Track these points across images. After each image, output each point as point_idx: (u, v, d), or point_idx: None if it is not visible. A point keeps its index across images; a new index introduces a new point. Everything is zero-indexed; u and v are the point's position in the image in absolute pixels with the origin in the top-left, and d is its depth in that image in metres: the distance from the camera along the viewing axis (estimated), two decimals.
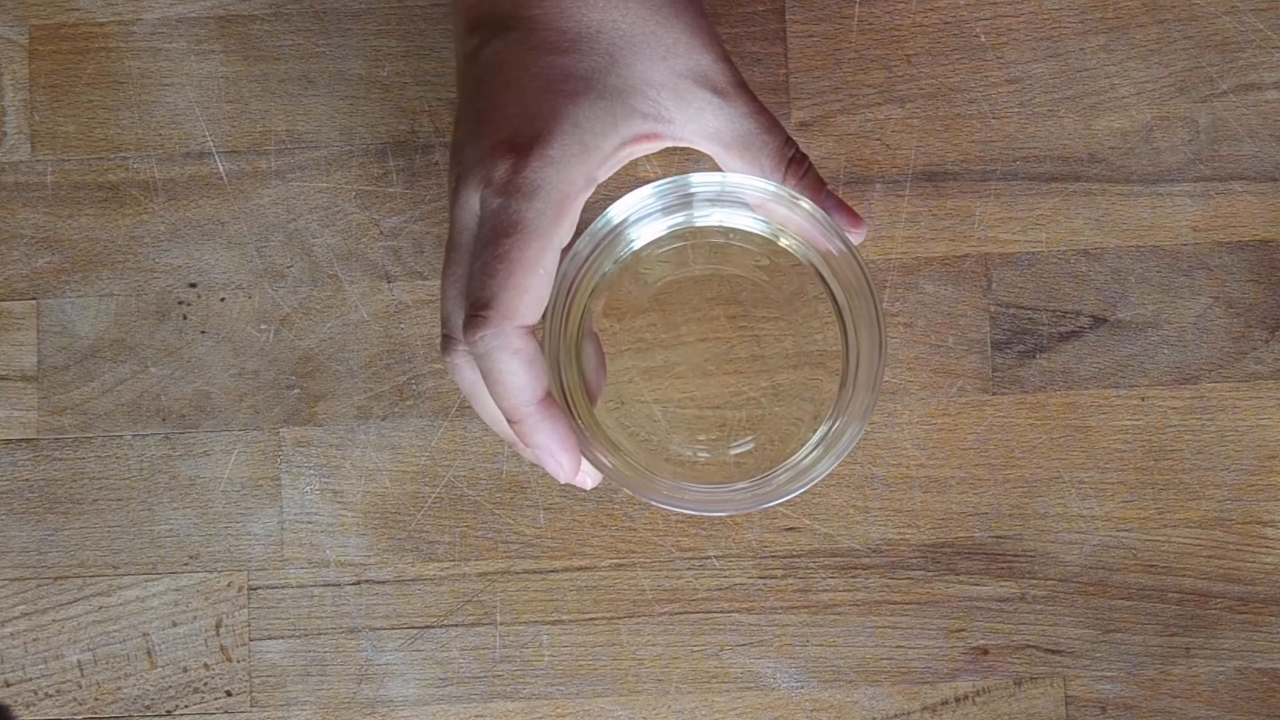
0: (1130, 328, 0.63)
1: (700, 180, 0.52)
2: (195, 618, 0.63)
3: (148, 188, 0.64)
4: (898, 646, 0.62)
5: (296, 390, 0.63)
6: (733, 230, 0.54)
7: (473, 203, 0.49)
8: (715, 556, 0.62)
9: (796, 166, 0.52)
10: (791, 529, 0.62)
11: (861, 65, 0.63)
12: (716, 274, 0.56)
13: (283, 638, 0.63)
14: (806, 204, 0.51)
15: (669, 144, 0.51)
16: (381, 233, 0.63)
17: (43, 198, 0.64)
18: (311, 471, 0.63)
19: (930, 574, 0.62)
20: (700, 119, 0.51)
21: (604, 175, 0.50)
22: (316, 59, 0.64)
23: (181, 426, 0.63)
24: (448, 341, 0.50)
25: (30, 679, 0.63)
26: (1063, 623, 0.62)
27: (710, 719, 0.62)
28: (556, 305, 0.51)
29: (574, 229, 0.50)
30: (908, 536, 0.62)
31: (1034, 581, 0.62)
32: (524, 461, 0.63)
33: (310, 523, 0.63)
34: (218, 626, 0.63)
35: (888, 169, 0.63)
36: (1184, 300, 0.63)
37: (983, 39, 0.63)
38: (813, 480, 0.51)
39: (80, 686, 0.63)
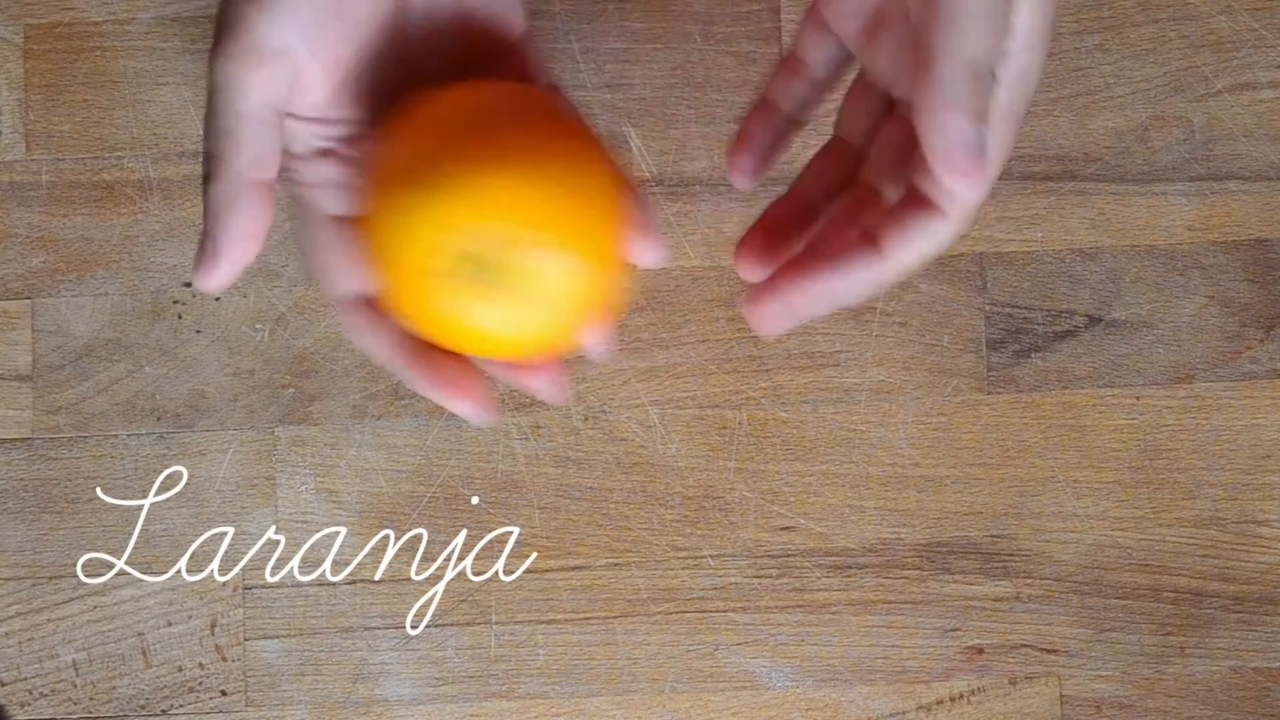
0: (1125, 327, 0.63)
1: None
2: (190, 617, 0.63)
3: (143, 187, 0.64)
4: (893, 646, 0.62)
5: (291, 389, 0.63)
6: None
7: None
8: (710, 556, 0.62)
9: None
10: (787, 528, 0.62)
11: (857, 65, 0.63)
12: None
13: (278, 637, 0.62)
14: None
15: None
16: None
17: (37, 197, 0.64)
18: (306, 471, 0.63)
19: (925, 573, 0.62)
20: None
21: None
22: None
23: (176, 426, 0.63)
24: None
25: (25, 678, 0.63)
26: (1058, 622, 0.62)
27: (705, 718, 0.62)
28: None
29: None
30: (903, 536, 0.62)
31: (1029, 581, 0.62)
32: (519, 461, 0.63)
33: (305, 522, 0.63)
34: (213, 626, 0.63)
35: None
36: (1179, 300, 0.63)
37: None
38: None
39: (75, 686, 0.63)
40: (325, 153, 0.46)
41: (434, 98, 0.44)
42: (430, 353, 0.47)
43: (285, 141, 0.45)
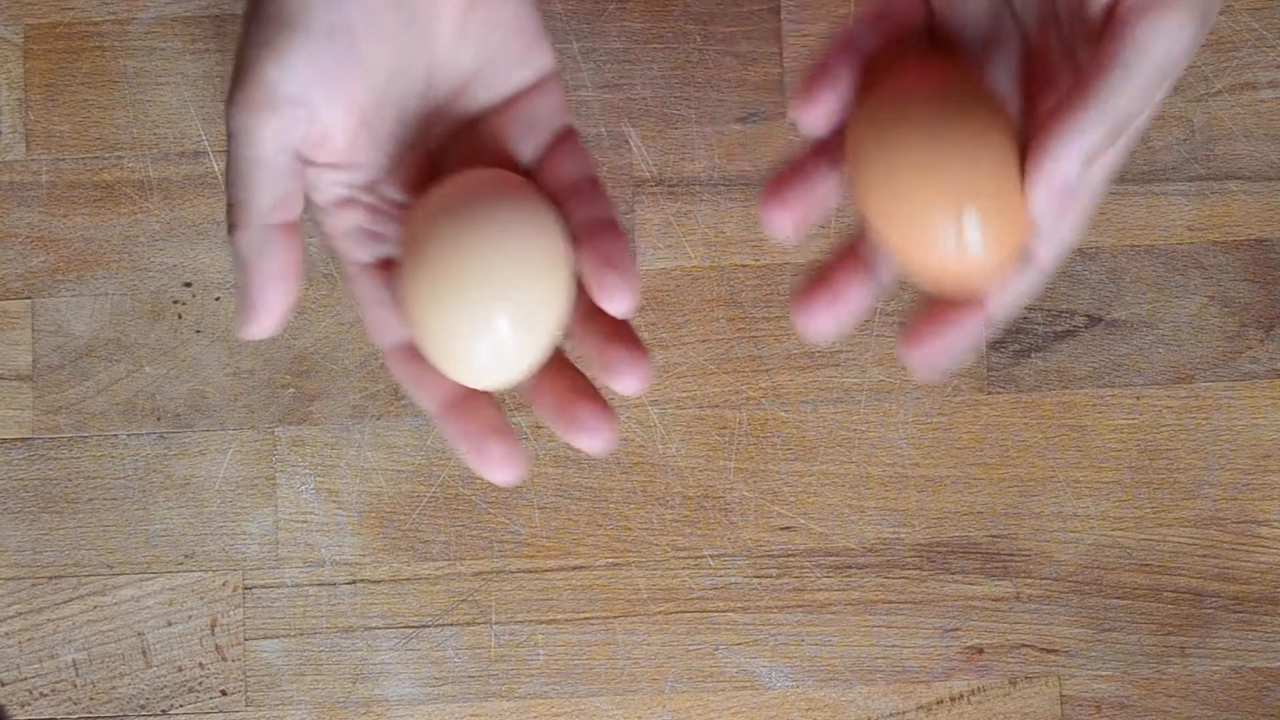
0: (1125, 327, 0.63)
1: None
2: (190, 617, 0.63)
3: (143, 187, 0.64)
4: (893, 646, 0.62)
5: (291, 389, 0.63)
6: None
7: None
8: (710, 556, 0.62)
9: None
10: (787, 528, 0.62)
11: None
12: None
13: (278, 637, 0.63)
14: None
15: None
16: None
17: (38, 197, 0.64)
18: (306, 471, 0.63)
19: (925, 573, 0.62)
20: None
21: None
22: None
23: (176, 426, 0.63)
24: None
25: (25, 678, 0.63)
26: (1058, 622, 0.62)
27: (705, 718, 0.62)
28: None
29: None
30: (903, 536, 0.62)
31: (1029, 581, 0.62)
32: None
33: (305, 522, 0.63)
34: (213, 626, 0.63)
35: None
36: (1179, 299, 0.63)
37: None
38: None
39: (75, 686, 0.63)
40: (347, 201, 0.45)
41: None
42: (473, 405, 0.45)
43: (308, 191, 0.44)
